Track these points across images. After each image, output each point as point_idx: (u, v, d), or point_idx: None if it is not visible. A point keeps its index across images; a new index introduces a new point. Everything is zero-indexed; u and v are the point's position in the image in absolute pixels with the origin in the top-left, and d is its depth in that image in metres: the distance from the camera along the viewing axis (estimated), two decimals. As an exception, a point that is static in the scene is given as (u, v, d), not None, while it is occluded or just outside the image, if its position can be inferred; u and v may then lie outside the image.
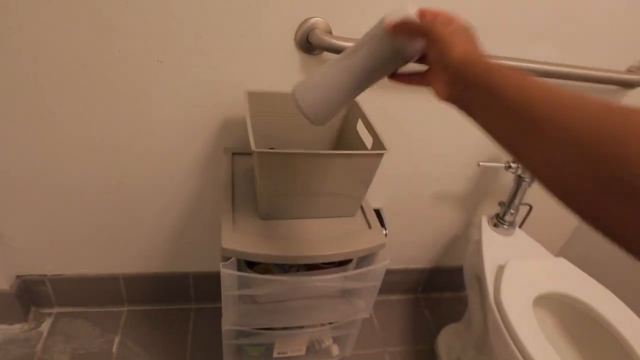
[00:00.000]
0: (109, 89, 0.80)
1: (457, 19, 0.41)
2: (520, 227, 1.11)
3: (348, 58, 0.46)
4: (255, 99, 0.77)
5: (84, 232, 1.02)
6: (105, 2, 0.69)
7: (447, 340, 1.23)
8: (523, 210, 1.07)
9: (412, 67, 0.44)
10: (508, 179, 1.07)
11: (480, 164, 0.99)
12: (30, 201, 0.94)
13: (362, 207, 0.80)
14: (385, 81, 0.48)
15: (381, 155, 0.67)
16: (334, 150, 0.88)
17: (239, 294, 0.71)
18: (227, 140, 0.91)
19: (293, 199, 0.71)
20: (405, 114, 0.95)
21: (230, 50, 0.78)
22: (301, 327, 0.82)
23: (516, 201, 1.03)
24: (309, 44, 0.78)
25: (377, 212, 0.86)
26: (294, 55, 0.81)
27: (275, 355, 0.88)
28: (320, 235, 0.72)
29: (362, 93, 0.49)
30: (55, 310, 1.16)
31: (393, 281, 1.31)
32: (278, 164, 0.65)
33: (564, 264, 1.01)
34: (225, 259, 0.67)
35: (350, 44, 0.76)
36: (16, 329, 1.10)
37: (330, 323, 0.86)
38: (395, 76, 0.47)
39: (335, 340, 0.94)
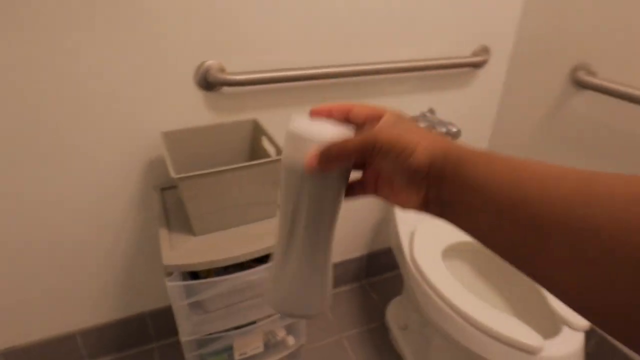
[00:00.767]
0: (36, 152, 0.88)
1: (374, 107, 0.33)
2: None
3: (287, 237, 0.35)
4: (171, 137, 0.90)
5: (29, 296, 1.05)
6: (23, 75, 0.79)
7: (394, 312, 1.39)
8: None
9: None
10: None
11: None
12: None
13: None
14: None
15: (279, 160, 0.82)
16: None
17: (188, 303, 0.81)
18: (156, 178, 1.02)
19: (219, 212, 0.83)
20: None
21: (142, 99, 0.91)
22: (253, 323, 0.93)
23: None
24: (207, 83, 0.93)
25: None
26: (197, 94, 0.95)
27: (237, 358, 0.97)
28: (247, 237, 0.84)
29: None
30: (13, 385, 1.14)
31: (338, 274, 1.46)
32: (197, 185, 0.77)
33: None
34: (169, 274, 0.77)
35: (245, 78, 0.92)
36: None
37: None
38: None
39: (289, 331, 1.05)
